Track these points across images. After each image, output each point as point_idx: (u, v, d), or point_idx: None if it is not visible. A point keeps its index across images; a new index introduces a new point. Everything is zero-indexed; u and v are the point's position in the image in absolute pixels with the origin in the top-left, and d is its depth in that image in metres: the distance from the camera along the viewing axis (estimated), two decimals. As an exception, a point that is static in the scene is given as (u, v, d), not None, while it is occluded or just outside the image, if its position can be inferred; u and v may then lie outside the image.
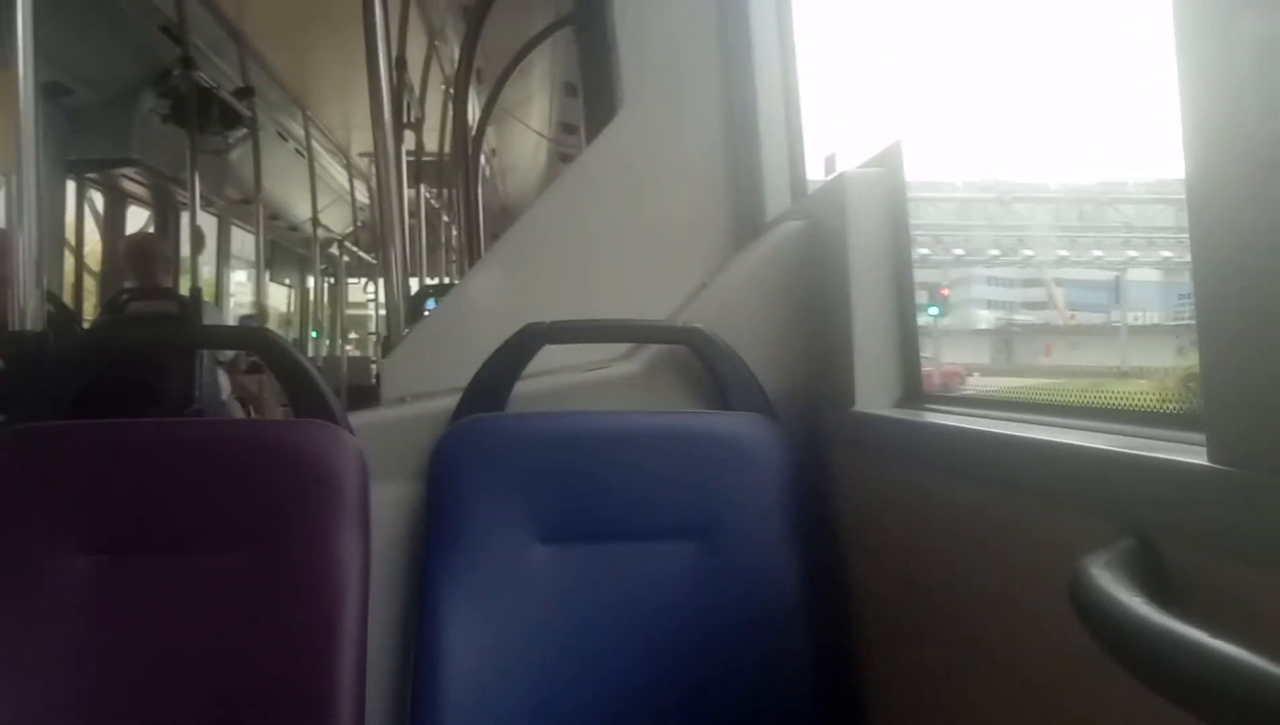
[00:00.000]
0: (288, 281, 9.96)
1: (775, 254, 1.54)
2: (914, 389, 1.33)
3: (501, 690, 1.28)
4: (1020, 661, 0.83)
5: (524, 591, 1.32)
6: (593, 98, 2.07)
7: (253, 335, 1.51)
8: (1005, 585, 0.86)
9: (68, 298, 5.14)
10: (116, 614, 1.24)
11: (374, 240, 4.86)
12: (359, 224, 8.77)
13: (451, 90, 5.26)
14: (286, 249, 9.23)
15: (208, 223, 7.42)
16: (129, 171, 5.65)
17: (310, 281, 9.73)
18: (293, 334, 10.30)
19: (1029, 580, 0.80)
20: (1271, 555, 0.50)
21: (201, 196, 6.19)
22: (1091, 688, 0.69)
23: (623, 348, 1.60)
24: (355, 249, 9.83)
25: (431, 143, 5.89)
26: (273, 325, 9.03)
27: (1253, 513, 0.52)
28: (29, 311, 1.44)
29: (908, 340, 1.35)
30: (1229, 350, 0.55)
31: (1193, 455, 0.60)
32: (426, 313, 2.89)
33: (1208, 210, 0.57)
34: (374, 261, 4.75)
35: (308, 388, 1.39)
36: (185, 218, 5.25)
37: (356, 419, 1.44)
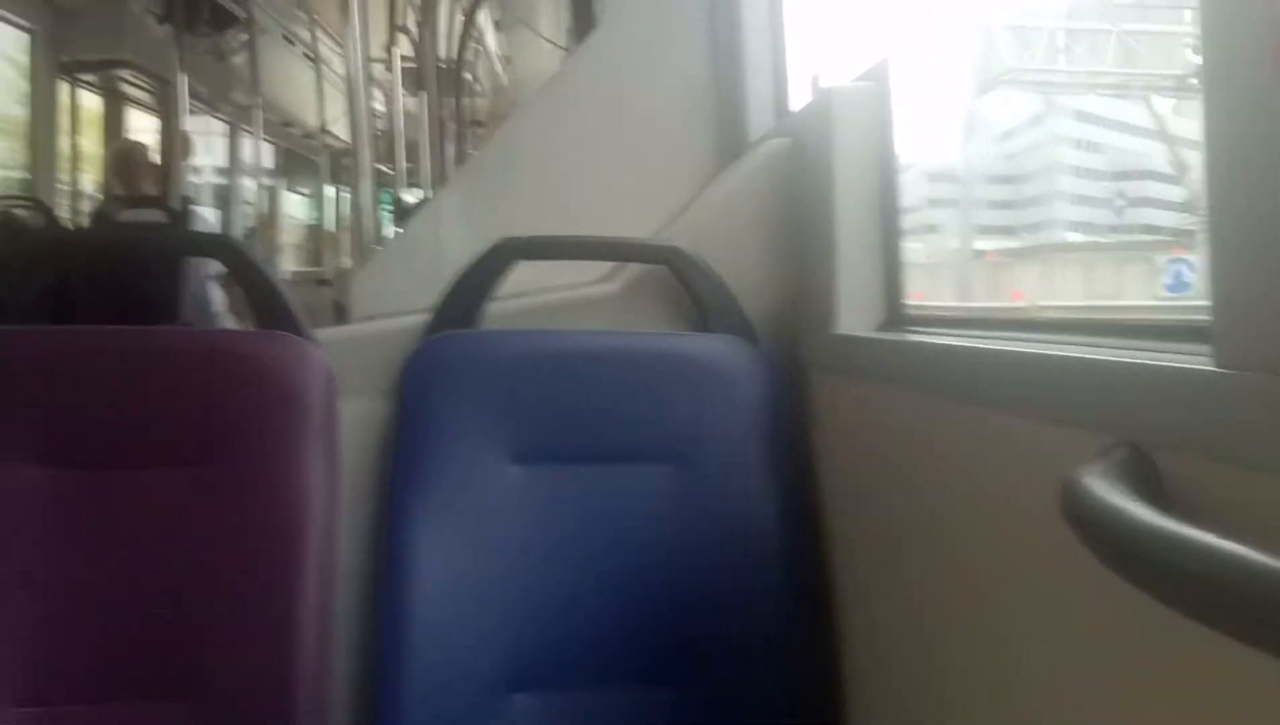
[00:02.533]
0: (307, 191, 9.84)
1: (758, 173, 1.49)
2: (897, 311, 1.30)
3: (470, 610, 1.26)
4: (1008, 577, 0.82)
5: (494, 512, 1.30)
6: (580, 6, 1.99)
7: (214, 242, 1.47)
8: (992, 502, 0.85)
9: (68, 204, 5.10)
10: (74, 528, 1.20)
11: (390, 150, 4.77)
12: (376, 132, 8.60)
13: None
14: (305, 158, 9.09)
15: (219, 129, 7.33)
16: (127, 74, 5.55)
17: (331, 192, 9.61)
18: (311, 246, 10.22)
19: (1017, 496, 0.79)
20: (1275, 461, 0.48)
21: (205, 102, 6.10)
22: (1086, 601, 0.67)
23: (600, 270, 1.55)
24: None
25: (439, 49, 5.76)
26: (291, 238, 8.97)
27: (1262, 417, 0.50)
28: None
29: (891, 261, 1.31)
30: (1240, 251, 0.53)
31: (1196, 362, 0.58)
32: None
33: (1223, 103, 0.54)
34: (390, 171, 4.68)
35: (273, 299, 1.35)
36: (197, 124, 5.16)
37: (324, 334, 1.40)
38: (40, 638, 1.17)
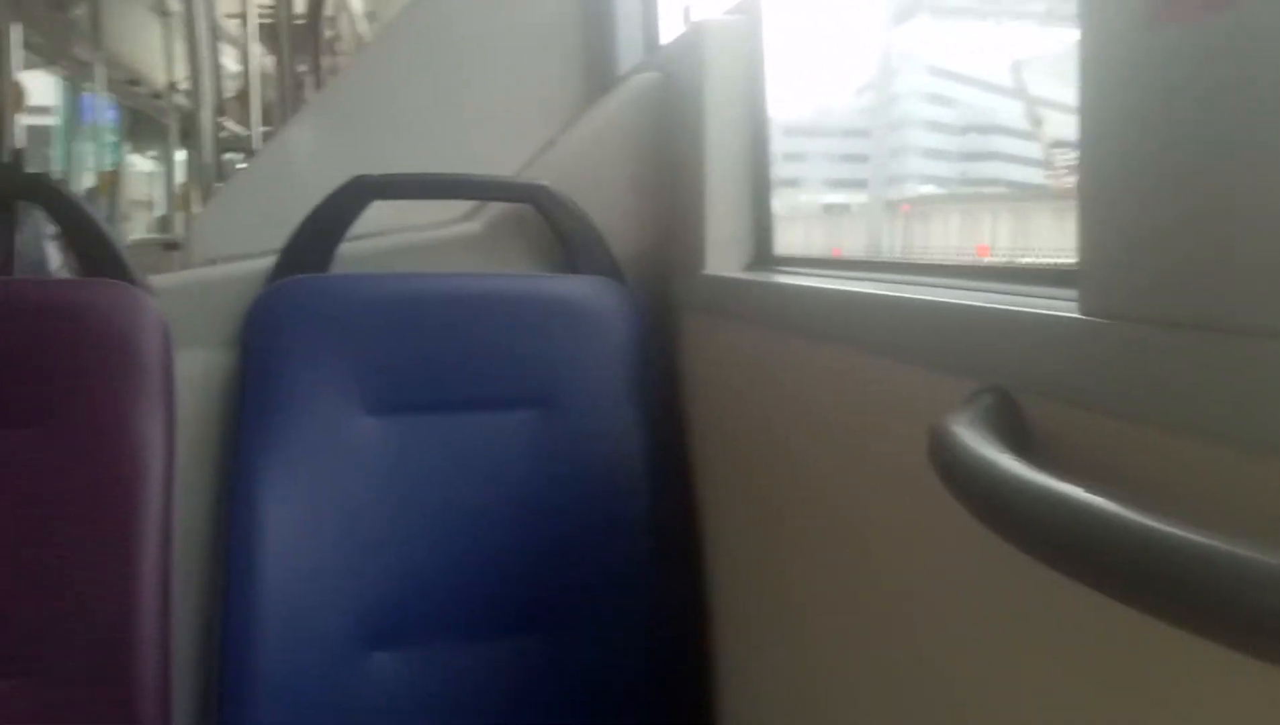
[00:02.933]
0: (154, 154, 9.33)
1: (627, 109, 1.44)
2: (765, 251, 1.28)
3: (324, 568, 1.19)
4: (875, 522, 0.80)
5: (349, 465, 1.23)
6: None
7: (29, 182, 1.34)
8: (860, 446, 0.83)
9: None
10: None
11: (245, 112, 4.54)
12: (229, 95, 8.21)
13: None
14: (153, 119, 8.59)
15: (52, 85, 6.87)
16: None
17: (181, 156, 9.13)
18: (158, 212, 9.72)
19: (886, 441, 0.77)
20: (1139, 408, 0.48)
21: (40, 52, 5.69)
22: (955, 548, 0.66)
23: (461, 209, 1.48)
24: (227, 120, 9.23)
25: (299, 6, 5.51)
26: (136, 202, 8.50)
27: (1124, 364, 0.49)
28: None
29: (760, 200, 1.29)
30: (1111, 192, 0.51)
31: (1062, 309, 0.56)
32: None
33: (1101, 34, 0.52)
34: (247, 133, 4.44)
35: (97, 242, 1.23)
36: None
37: (158, 281, 1.29)
38: None
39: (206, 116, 1.70)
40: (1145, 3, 0.47)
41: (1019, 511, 0.43)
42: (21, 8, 4.75)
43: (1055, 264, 0.75)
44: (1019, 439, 0.54)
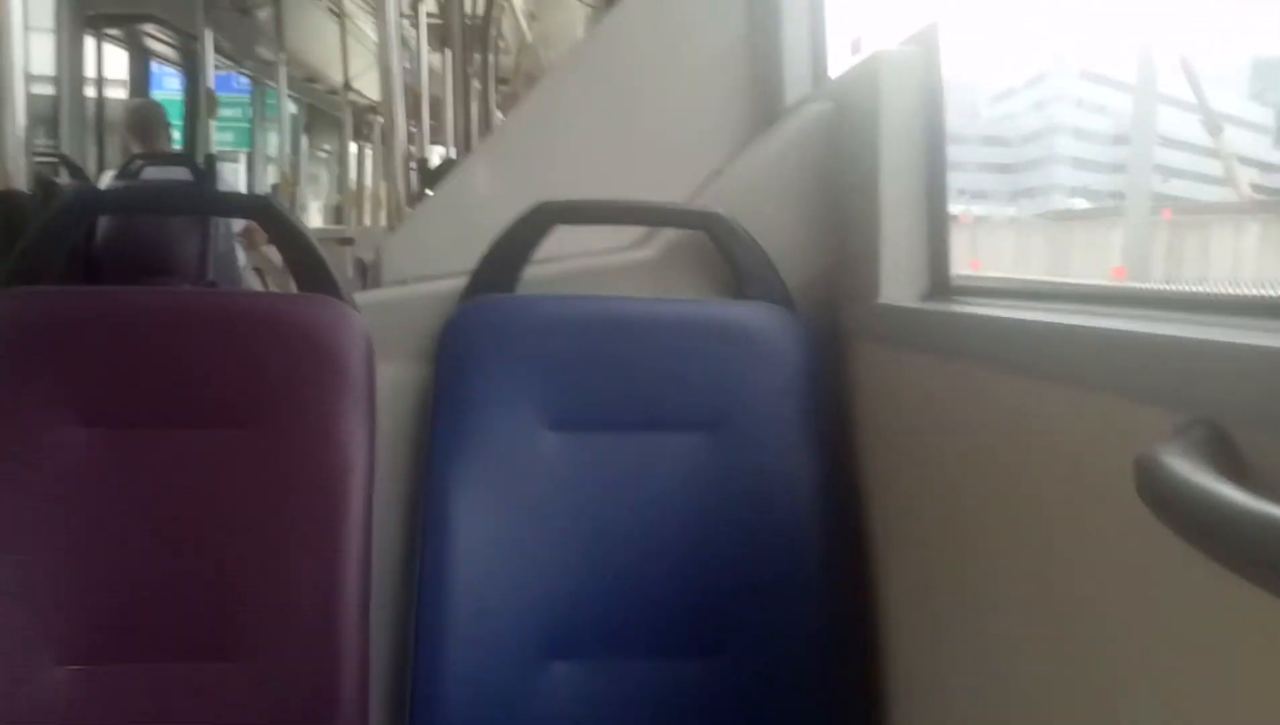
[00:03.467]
0: (328, 148, 9.78)
1: (798, 137, 1.46)
2: (942, 281, 1.28)
3: (508, 576, 1.26)
4: (1068, 556, 0.80)
5: (531, 478, 1.29)
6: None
7: (254, 202, 1.45)
8: (1055, 477, 0.83)
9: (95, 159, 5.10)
10: (115, 487, 1.20)
11: (414, 107, 4.73)
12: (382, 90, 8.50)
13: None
14: (328, 115, 9.03)
15: (241, 85, 7.28)
16: (152, 29, 5.52)
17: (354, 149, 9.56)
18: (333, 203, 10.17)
19: (1083, 472, 0.77)
20: None
21: (230, 57, 6.07)
22: (1163, 580, 0.66)
23: (635, 234, 1.53)
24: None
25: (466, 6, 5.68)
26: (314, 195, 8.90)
27: None
28: (18, 172, 1.38)
29: (937, 230, 1.29)
30: None
31: (1271, 339, 0.57)
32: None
33: None
34: (414, 130, 4.63)
35: (311, 261, 1.33)
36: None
37: (361, 298, 1.39)
38: (84, 597, 1.17)
39: (400, 120, 1.80)
40: None
41: (1238, 536, 0.44)
42: (210, 15, 5.07)
43: (1263, 295, 0.74)
44: (1232, 469, 0.54)
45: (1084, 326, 0.78)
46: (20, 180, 1.38)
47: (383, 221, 7.60)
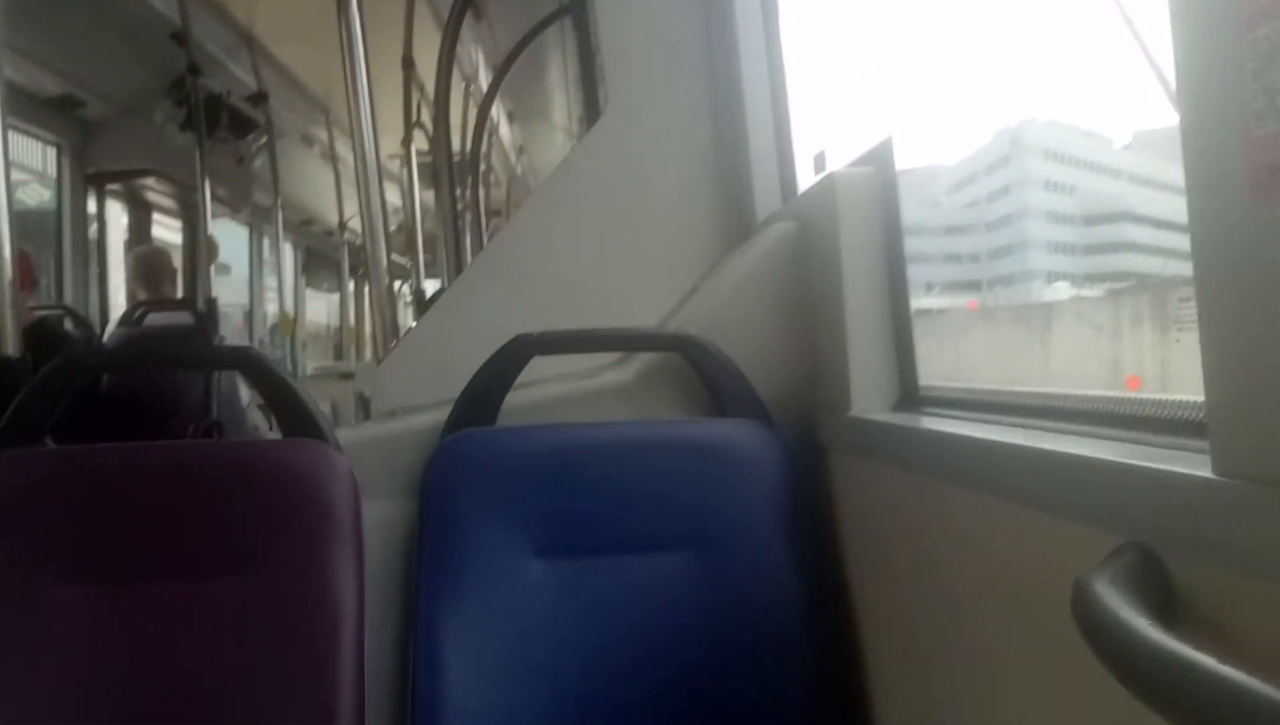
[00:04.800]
0: (325, 286, 9.95)
1: (766, 256, 1.51)
2: (911, 391, 1.30)
3: (500, 705, 1.26)
4: (1022, 673, 0.81)
5: (521, 607, 1.30)
6: (589, 93, 2.04)
7: (236, 354, 1.49)
8: (1005, 595, 0.84)
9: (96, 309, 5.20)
10: (109, 643, 1.21)
11: (408, 241, 4.87)
12: (394, 227, 8.73)
13: (470, 88, 5.23)
14: (324, 254, 9.23)
15: (238, 231, 7.45)
16: (151, 182, 5.70)
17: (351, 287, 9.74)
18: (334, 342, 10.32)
19: (1030, 590, 0.78)
20: (1276, 570, 0.49)
21: (226, 204, 6.23)
22: (1095, 703, 0.66)
23: (614, 356, 1.57)
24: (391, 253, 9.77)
25: (454, 143, 5.86)
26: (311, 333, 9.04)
27: (1256, 526, 0.50)
28: (5, 335, 1.42)
29: (903, 341, 1.32)
30: (1233, 359, 0.54)
31: (1197, 466, 0.58)
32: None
33: (1209, 213, 0.56)
34: (408, 265, 4.75)
35: (295, 406, 1.36)
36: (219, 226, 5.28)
37: (345, 436, 1.41)
38: None
39: (381, 256, 1.86)
40: (1247, 181, 0.50)
41: (1156, 677, 0.45)
42: (207, 165, 5.23)
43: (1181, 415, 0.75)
44: (1161, 598, 0.55)
45: (1022, 446, 0.81)
46: (8, 344, 1.42)
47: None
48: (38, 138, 4.72)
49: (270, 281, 7.58)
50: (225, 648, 1.22)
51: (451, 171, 2.96)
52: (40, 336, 2.96)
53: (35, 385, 1.31)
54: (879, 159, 1.35)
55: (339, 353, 9.78)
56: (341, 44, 1.79)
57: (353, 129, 1.81)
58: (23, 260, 1.74)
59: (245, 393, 4.00)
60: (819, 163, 1.60)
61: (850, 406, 1.30)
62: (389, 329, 1.83)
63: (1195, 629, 0.45)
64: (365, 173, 1.81)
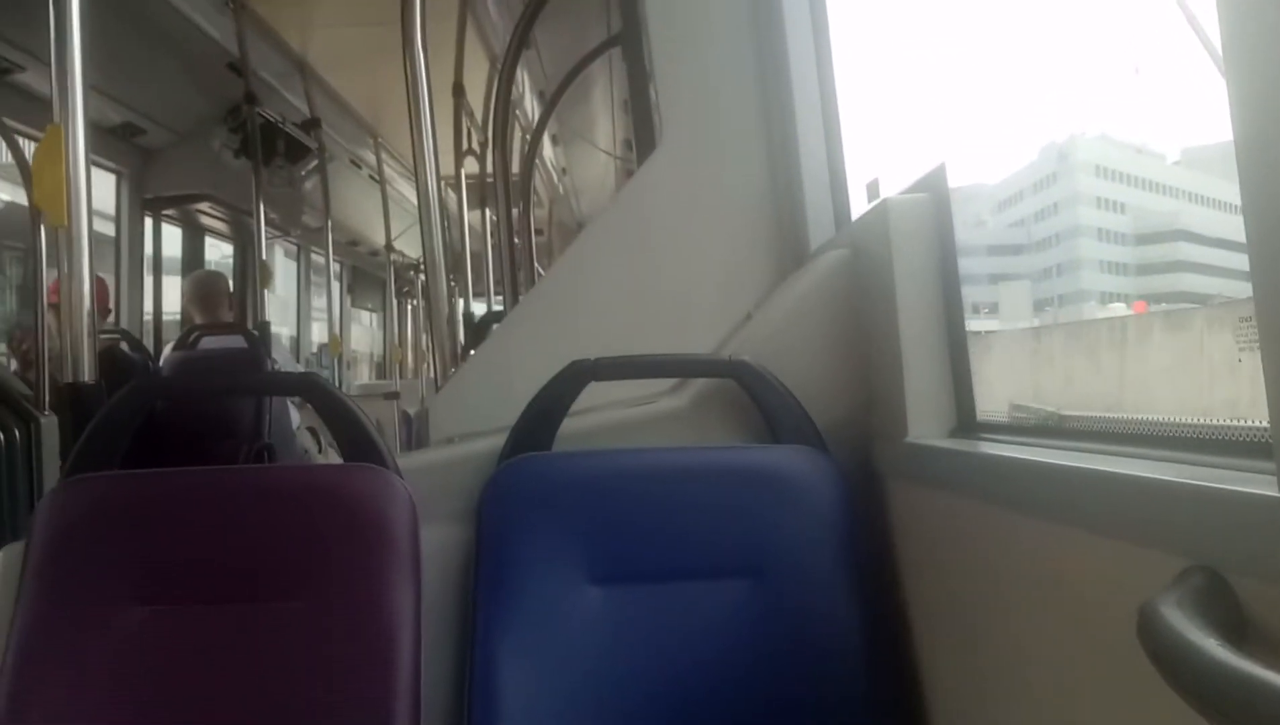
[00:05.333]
0: (370, 306, 10.10)
1: (820, 283, 1.51)
2: (968, 417, 1.30)
3: None
4: (1086, 700, 0.81)
5: (576, 633, 1.31)
6: (641, 121, 2.06)
7: (300, 381, 1.52)
8: (1067, 621, 0.84)
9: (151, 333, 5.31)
10: (174, 664, 1.24)
11: (455, 263, 4.94)
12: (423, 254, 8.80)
13: (516, 112, 5.30)
14: (369, 274, 9.37)
15: (284, 252, 7.58)
16: (205, 206, 5.82)
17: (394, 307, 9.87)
18: (376, 360, 10.46)
19: (1093, 616, 0.78)
20: None
21: (278, 227, 6.35)
22: None
23: (669, 383, 1.58)
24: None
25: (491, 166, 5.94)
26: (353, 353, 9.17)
27: None
28: (81, 364, 1.47)
29: (960, 367, 1.32)
30: None
31: (1264, 486, 0.57)
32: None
33: (1267, 231, 0.55)
34: (453, 284, 4.81)
35: (357, 432, 1.39)
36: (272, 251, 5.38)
37: (405, 462, 1.44)
38: None
39: (440, 281, 1.89)
40: None
41: (1229, 700, 0.44)
42: (260, 188, 5.33)
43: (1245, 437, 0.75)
44: (1230, 621, 0.55)
45: (1083, 469, 0.80)
46: (86, 372, 1.46)
47: (425, 374, 7.79)
48: (98, 166, 4.85)
49: (315, 301, 7.72)
50: (285, 669, 1.25)
51: (509, 196, 2.99)
52: (110, 363, 3.04)
53: (107, 412, 1.35)
54: (932, 185, 1.36)
55: (380, 372, 9.90)
56: (405, 74, 1.83)
57: (415, 157, 1.83)
58: (99, 287, 1.80)
59: (295, 415, 4.07)
60: (872, 190, 1.61)
61: (907, 433, 1.30)
62: (449, 356, 1.85)
63: (1266, 650, 0.45)
64: (426, 200, 1.83)
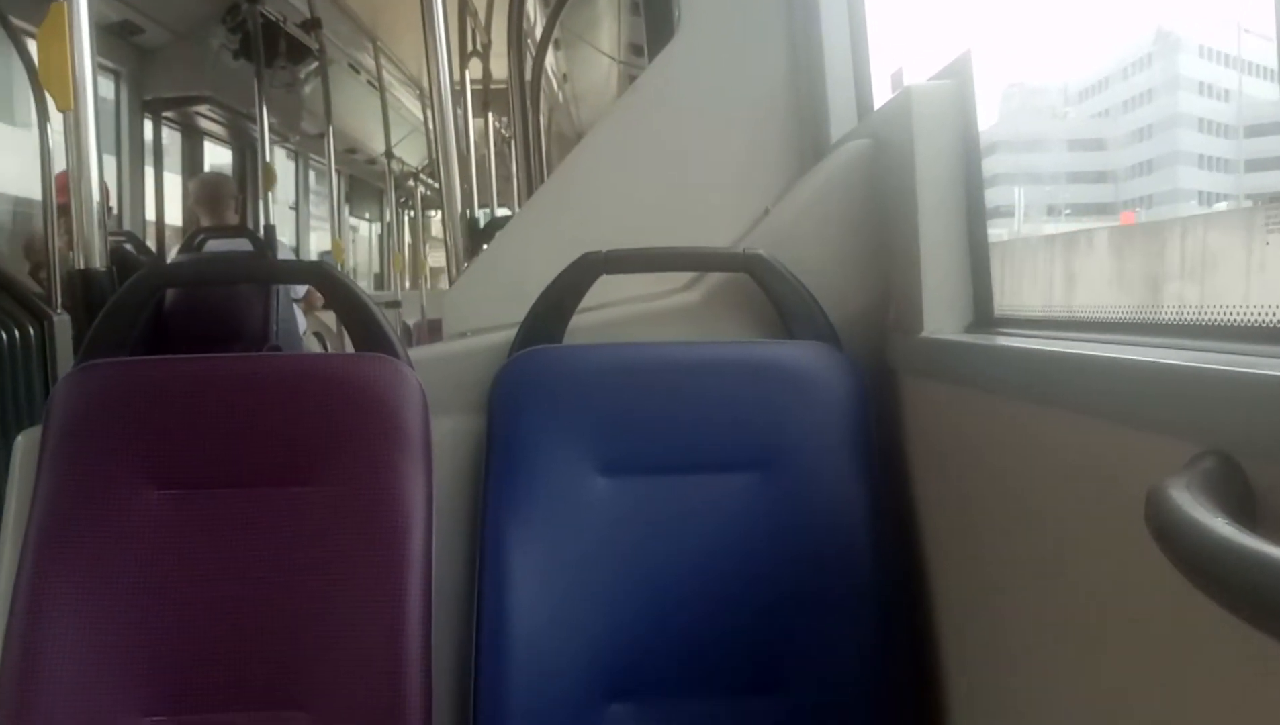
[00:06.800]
0: (367, 216, 10.02)
1: (840, 175, 1.48)
2: (985, 312, 1.28)
3: (565, 620, 1.29)
4: (1094, 585, 0.81)
5: (585, 523, 1.32)
6: (653, 17, 2.01)
7: (313, 269, 1.51)
8: (1077, 508, 0.83)
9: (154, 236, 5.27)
10: (187, 546, 1.26)
11: (461, 170, 4.87)
12: (435, 156, 8.70)
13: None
14: (366, 183, 9.28)
15: (283, 158, 7.50)
16: (204, 109, 5.73)
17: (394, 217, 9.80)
18: (375, 269, 10.42)
19: (1104, 502, 0.77)
20: None
21: (276, 132, 6.27)
22: (1171, 614, 0.66)
23: (682, 277, 1.56)
24: (432, 181, 9.84)
25: (500, 70, 5.82)
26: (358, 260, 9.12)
27: None
28: (92, 250, 1.45)
29: (979, 261, 1.29)
30: None
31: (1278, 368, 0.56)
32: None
33: None
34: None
35: (368, 323, 1.39)
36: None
37: (416, 354, 1.44)
38: (162, 651, 1.23)
39: (454, 181, 1.86)
40: None
41: (1233, 578, 0.43)
42: (263, 90, 5.24)
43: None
44: (1240, 503, 0.54)
45: (1098, 357, 0.79)
46: (97, 259, 1.45)
47: (424, 285, 7.76)
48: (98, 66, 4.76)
49: (313, 209, 7.66)
50: (297, 552, 1.26)
51: (525, 98, 2.93)
52: (118, 264, 3.02)
53: (120, 297, 1.34)
54: (957, 72, 1.32)
55: (379, 282, 9.86)
56: None
57: (427, 58, 1.78)
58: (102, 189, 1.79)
59: (302, 320, 4.07)
60: (896, 81, 1.56)
61: (923, 328, 1.28)
62: (461, 254, 1.83)
63: (1277, 531, 0.44)
64: (439, 102, 1.79)
